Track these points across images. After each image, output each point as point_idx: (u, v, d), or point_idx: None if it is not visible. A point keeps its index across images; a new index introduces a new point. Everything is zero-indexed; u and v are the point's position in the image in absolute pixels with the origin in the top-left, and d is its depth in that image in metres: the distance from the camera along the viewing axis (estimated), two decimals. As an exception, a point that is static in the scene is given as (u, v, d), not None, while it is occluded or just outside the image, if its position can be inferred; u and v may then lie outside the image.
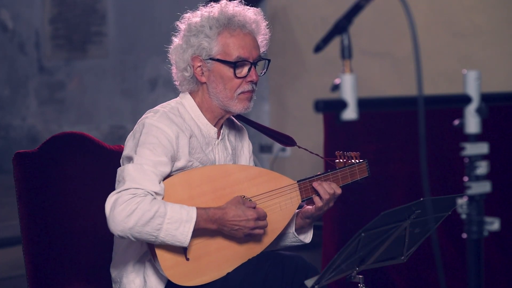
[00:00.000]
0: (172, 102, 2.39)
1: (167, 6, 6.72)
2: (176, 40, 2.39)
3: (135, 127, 2.32)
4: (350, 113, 1.44)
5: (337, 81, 1.47)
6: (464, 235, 1.55)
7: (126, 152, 2.29)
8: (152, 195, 2.18)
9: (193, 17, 2.36)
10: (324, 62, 5.33)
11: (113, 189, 2.24)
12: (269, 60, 2.40)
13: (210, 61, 2.31)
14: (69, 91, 7.45)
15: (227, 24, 2.31)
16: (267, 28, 2.40)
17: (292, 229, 2.48)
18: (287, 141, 2.51)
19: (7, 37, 7.79)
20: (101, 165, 2.58)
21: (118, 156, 2.58)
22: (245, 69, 2.32)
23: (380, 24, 5.26)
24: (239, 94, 2.33)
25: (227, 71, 2.31)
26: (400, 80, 5.22)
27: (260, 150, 5.94)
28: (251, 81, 2.33)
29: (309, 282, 2.07)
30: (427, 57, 4.85)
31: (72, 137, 2.57)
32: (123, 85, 7.09)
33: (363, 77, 5.11)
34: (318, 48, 1.56)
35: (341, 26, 1.51)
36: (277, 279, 2.31)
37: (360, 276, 2.21)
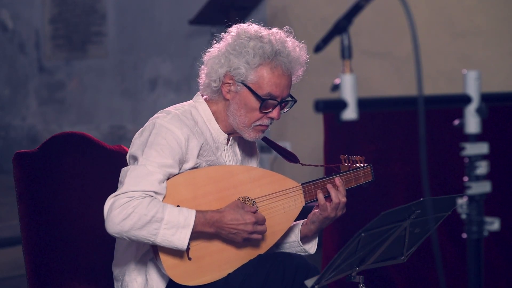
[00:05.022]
0: (186, 105, 2.38)
1: (167, 6, 6.72)
2: (216, 47, 2.35)
3: (145, 125, 2.31)
4: (350, 113, 1.44)
5: (337, 81, 1.47)
6: (464, 235, 1.55)
7: (133, 150, 2.29)
8: (150, 196, 2.18)
9: (242, 34, 2.32)
10: (324, 62, 5.33)
11: (114, 188, 2.24)
12: (295, 101, 2.39)
13: (241, 84, 2.30)
14: (69, 91, 7.45)
15: (272, 59, 2.29)
16: (306, 65, 2.37)
17: (297, 237, 2.47)
18: (290, 157, 2.51)
19: (7, 37, 7.79)
20: (101, 165, 2.58)
21: (118, 156, 2.59)
22: (271, 107, 2.32)
23: (380, 24, 5.26)
24: (256, 126, 2.33)
25: (254, 102, 2.30)
26: (400, 80, 5.22)
27: (260, 150, 5.92)
28: (272, 118, 2.33)
29: (309, 282, 2.07)
30: (427, 57, 4.85)
31: (72, 137, 2.57)
32: (123, 85, 7.08)
33: (363, 77, 5.11)
34: (318, 48, 1.56)
35: (341, 26, 1.51)
36: (277, 279, 2.31)
37: (360, 276, 2.21)
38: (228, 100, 2.34)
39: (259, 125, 2.33)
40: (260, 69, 2.29)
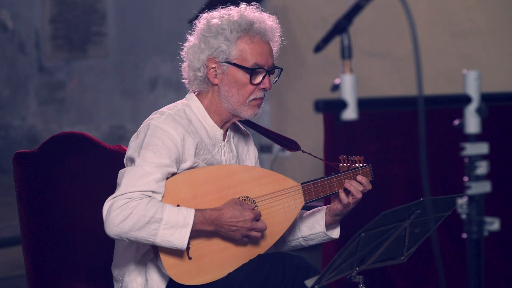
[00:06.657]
0: (179, 104, 2.38)
1: (167, 6, 6.72)
2: (192, 39, 2.38)
3: (139, 127, 2.32)
4: (350, 113, 1.44)
5: (337, 81, 1.47)
6: (464, 235, 1.55)
7: (129, 153, 2.29)
8: (148, 196, 2.18)
9: (212, 18, 2.35)
10: (324, 62, 5.33)
11: (113, 189, 2.24)
12: (281, 69, 2.41)
13: (226, 64, 2.32)
14: (69, 91, 7.45)
15: (248, 30, 2.32)
16: (281, 37, 2.41)
17: (323, 228, 2.47)
18: (291, 145, 2.51)
19: (7, 37, 7.79)
20: (101, 165, 2.58)
21: (118, 156, 2.59)
22: (260, 77, 2.34)
23: (380, 24, 5.26)
24: (250, 101, 2.34)
25: (243, 76, 2.32)
26: (400, 80, 5.22)
27: (260, 150, 5.93)
28: (264, 89, 2.35)
29: (309, 282, 2.07)
30: (427, 57, 4.85)
31: (72, 137, 2.57)
32: (123, 85, 7.09)
33: (363, 77, 5.11)
34: (318, 48, 1.56)
35: (341, 26, 1.51)
36: (278, 279, 2.31)
37: (360, 276, 2.21)
38: (216, 85, 2.35)
39: (254, 99, 2.34)
40: (240, 42, 2.32)
